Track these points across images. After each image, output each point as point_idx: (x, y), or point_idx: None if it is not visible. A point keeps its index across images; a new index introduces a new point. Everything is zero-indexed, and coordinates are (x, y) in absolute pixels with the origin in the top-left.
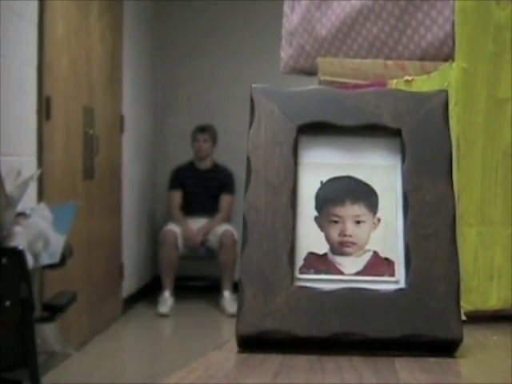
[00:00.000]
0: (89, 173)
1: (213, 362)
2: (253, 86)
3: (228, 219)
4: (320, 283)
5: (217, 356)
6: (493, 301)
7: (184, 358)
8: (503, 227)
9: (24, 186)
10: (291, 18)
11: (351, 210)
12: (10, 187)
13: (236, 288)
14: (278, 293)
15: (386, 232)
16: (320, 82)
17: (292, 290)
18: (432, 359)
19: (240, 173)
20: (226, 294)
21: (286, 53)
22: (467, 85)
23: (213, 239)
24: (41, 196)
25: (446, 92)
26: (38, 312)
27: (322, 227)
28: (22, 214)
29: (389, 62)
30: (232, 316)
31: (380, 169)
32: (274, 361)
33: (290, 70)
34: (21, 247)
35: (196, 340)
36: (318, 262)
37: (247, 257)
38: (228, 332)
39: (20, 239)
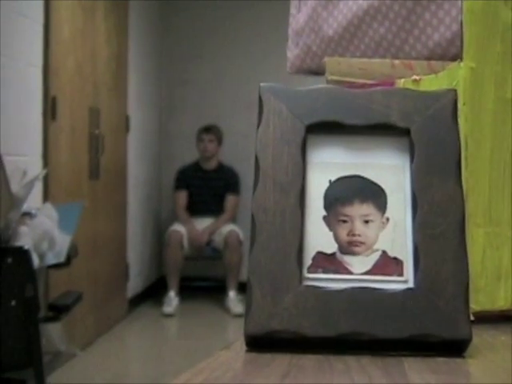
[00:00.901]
0: (94, 173)
1: (221, 362)
2: (261, 84)
3: (233, 219)
4: (328, 283)
5: (225, 356)
6: (501, 301)
7: (189, 359)
8: (511, 228)
9: (29, 185)
10: (298, 17)
11: (360, 210)
12: (15, 187)
13: (241, 288)
14: (287, 292)
15: (394, 231)
16: (327, 82)
17: (300, 290)
18: (441, 359)
19: (245, 173)
20: (231, 294)
21: (292, 53)
22: (475, 85)
23: (218, 239)
24: (46, 196)
25: (454, 91)
26: (43, 312)
27: (330, 226)
28: (27, 214)
29: (396, 62)
30: (237, 316)
31: (389, 168)
32: (282, 361)
33: (296, 70)
34: (26, 247)
35: (201, 340)
36: (326, 262)
37: (255, 257)
38: (233, 332)
39: (25, 239)
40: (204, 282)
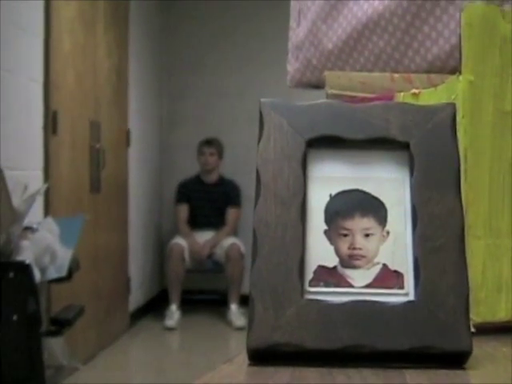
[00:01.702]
0: (95, 187)
1: (224, 375)
2: (261, 100)
3: (234, 232)
4: (330, 296)
5: (228, 369)
6: (501, 312)
7: (191, 372)
8: (511, 239)
9: (31, 200)
10: (297, 31)
11: (360, 223)
12: (16, 201)
13: (243, 301)
14: (288, 306)
15: (395, 245)
16: (327, 96)
17: (302, 303)
18: (441, 371)
19: (246, 186)
20: (233, 307)
21: (292, 66)
22: (474, 98)
23: (219, 252)
24: (48, 210)
25: (453, 105)
26: (45, 326)
27: (331, 240)
28: (29, 228)
29: (396, 75)
30: (239, 329)
31: (388, 182)
32: (284, 373)
33: (296, 84)
34: (28, 261)
35: (203, 353)
36: (327, 275)
37: (257, 270)
38: (235, 345)
39: (27, 253)
40: (206, 295)
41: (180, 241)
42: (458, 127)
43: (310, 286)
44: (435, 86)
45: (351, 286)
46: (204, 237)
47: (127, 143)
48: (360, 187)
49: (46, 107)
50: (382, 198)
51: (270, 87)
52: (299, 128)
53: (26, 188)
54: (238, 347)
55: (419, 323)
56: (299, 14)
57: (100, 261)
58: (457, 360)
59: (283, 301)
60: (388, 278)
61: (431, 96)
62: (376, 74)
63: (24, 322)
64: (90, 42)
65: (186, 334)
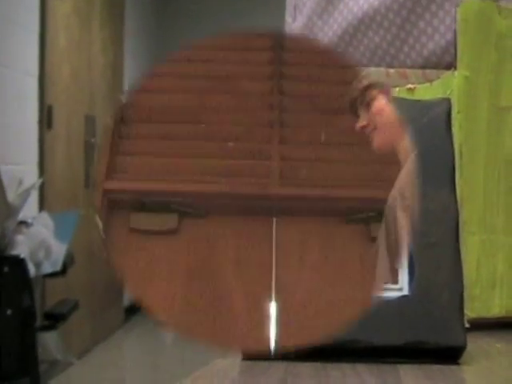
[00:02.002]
0: (90, 181)
1: (218, 370)
2: None
3: None
4: None
5: (221, 364)
6: (495, 308)
7: (185, 367)
8: (506, 235)
9: (25, 194)
10: (293, 26)
11: None
12: (11, 196)
13: None
14: None
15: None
16: None
17: None
18: (436, 366)
19: None
20: None
21: None
22: (469, 93)
23: None
24: (42, 205)
25: (448, 100)
26: (39, 320)
27: None
28: (23, 223)
29: (391, 71)
30: None
31: None
32: (278, 368)
33: None
34: (22, 256)
35: (197, 349)
36: None
37: None
38: None
39: (22, 248)
40: None
41: None
42: (453, 122)
43: None
44: (430, 81)
45: None
46: None
47: None
48: None
49: (41, 102)
50: None
51: None
52: None
53: (20, 183)
54: None
55: (414, 318)
56: (295, 9)
57: (94, 255)
58: (451, 355)
59: None
60: None
61: (426, 91)
62: (371, 69)
63: (18, 316)
64: (86, 37)
65: None
